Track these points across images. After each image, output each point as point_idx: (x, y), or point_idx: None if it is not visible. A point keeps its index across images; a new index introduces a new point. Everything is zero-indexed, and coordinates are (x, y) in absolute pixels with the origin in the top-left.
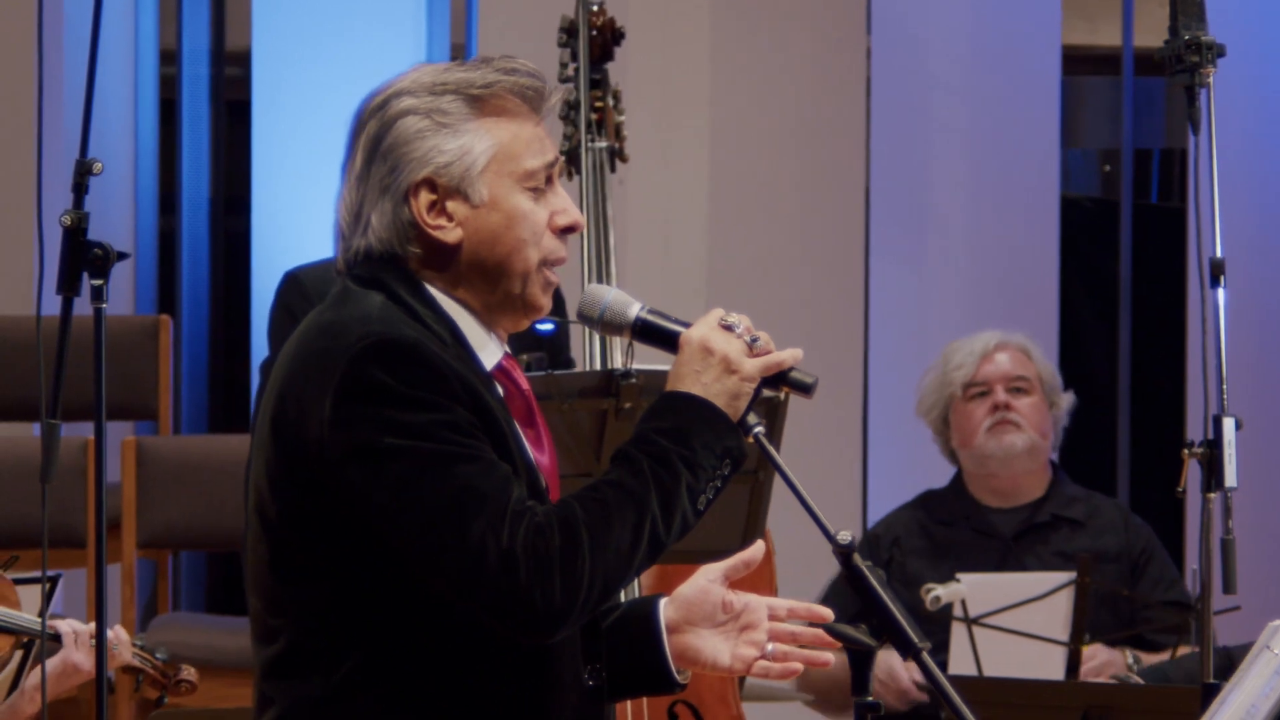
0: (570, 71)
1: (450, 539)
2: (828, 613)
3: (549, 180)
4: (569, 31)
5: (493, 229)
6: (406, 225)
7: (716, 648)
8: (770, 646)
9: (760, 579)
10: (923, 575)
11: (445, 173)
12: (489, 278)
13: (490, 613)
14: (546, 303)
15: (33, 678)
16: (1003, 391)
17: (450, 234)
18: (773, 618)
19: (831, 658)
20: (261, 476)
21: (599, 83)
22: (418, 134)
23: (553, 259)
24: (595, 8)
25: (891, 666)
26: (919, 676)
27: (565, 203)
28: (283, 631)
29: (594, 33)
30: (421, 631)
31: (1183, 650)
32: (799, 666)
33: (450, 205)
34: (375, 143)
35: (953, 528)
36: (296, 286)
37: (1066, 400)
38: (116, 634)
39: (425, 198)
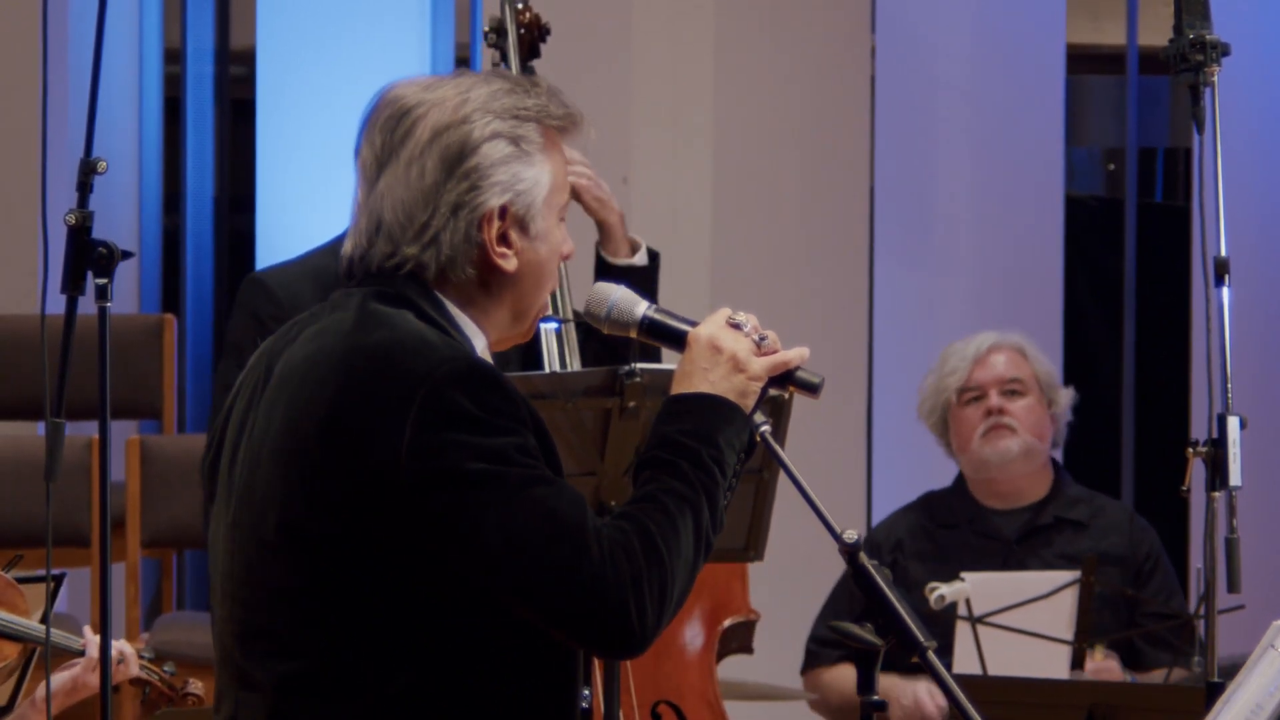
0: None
1: (542, 564)
2: None
3: None
4: (498, 31)
5: (540, 260)
6: (474, 247)
7: None
8: None
9: (732, 575)
10: (925, 580)
11: (518, 201)
12: (519, 304)
13: (584, 632)
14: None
15: (43, 689)
16: (996, 396)
17: (510, 263)
18: None
19: None
20: (296, 496)
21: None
22: (504, 159)
23: (553, 286)
24: (520, 5)
25: (916, 693)
26: (942, 701)
27: (565, 231)
28: (310, 649)
29: (521, 30)
30: (466, 655)
31: (1177, 673)
32: None
33: (512, 234)
34: (457, 158)
35: (955, 531)
36: (263, 291)
37: (1067, 396)
38: (122, 648)
39: (496, 225)
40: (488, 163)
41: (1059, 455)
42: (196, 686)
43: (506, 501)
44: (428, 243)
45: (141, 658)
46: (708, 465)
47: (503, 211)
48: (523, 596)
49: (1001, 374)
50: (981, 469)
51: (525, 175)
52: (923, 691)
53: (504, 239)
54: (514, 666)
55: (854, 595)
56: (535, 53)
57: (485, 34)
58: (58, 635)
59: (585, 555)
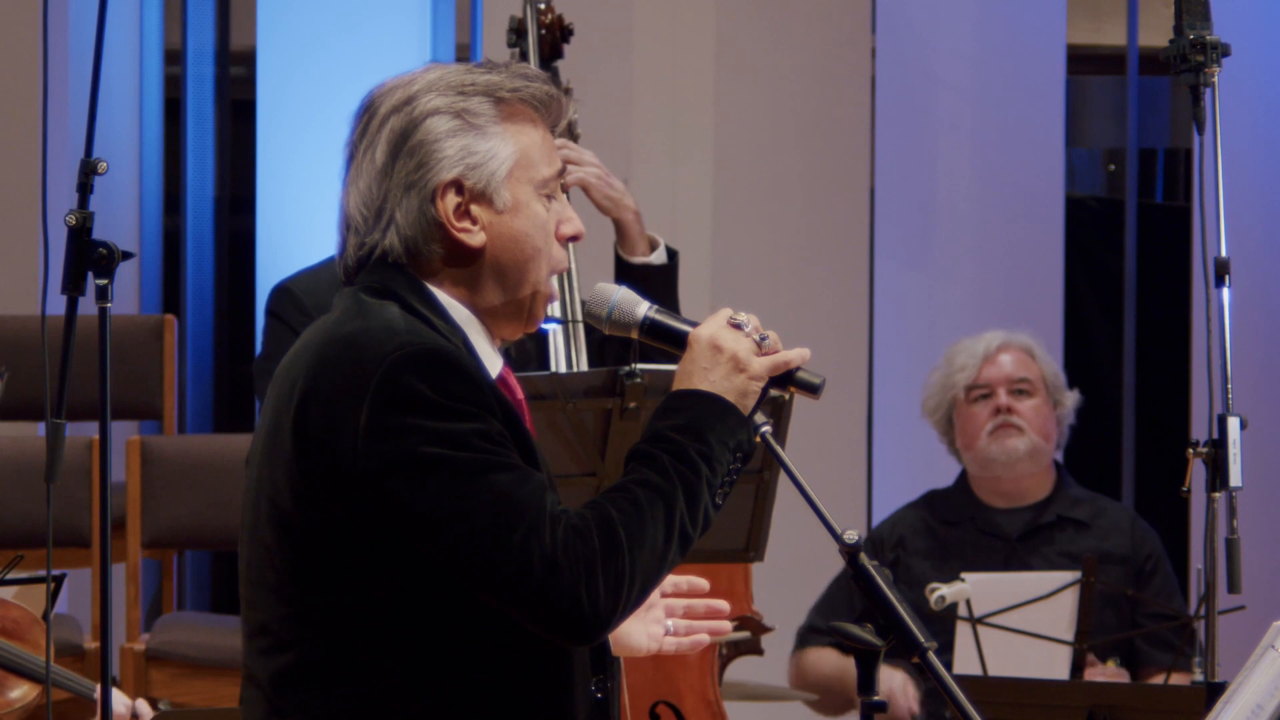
0: None
1: (494, 548)
2: (703, 583)
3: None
4: (518, 31)
5: (514, 235)
6: (432, 225)
7: (630, 630)
8: (669, 623)
9: (734, 575)
10: (927, 576)
11: (473, 174)
12: (505, 284)
13: (537, 618)
14: (544, 314)
15: None
16: (1005, 394)
17: (475, 238)
18: (661, 595)
19: (729, 626)
20: (282, 489)
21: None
22: (448, 133)
23: (558, 268)
24: (543, 5)
25: (892, 689)
26: (914, 702)
27: (570, 212)
28: (300, 642)
29: (543, 31)
30: (452, 641)
31: (1178, 676)
32: (704, 638)
33: (475, 209)
34: (401, 138)
35: (957, 528)
36: (289, 298)
37: (1071, 398)
38: (138, 708)
39: (452, 199)
40: (431, 138)
41: (1059, 456)
42: None
43: (461, 486)
44: (386, 225)
45: (156, 708)
46: (692, 460)
47: (459, 186)
48: (476, 580)
49: (1010, 373)
50: (987, 467)
51: (479, 148)
52: (897, 684)
53: (467, 214)
54: (502, 656)
55: (851, 592)
56: (558, 53)
57: (506, 34)
58: (74, 680)
59: (538, 540)
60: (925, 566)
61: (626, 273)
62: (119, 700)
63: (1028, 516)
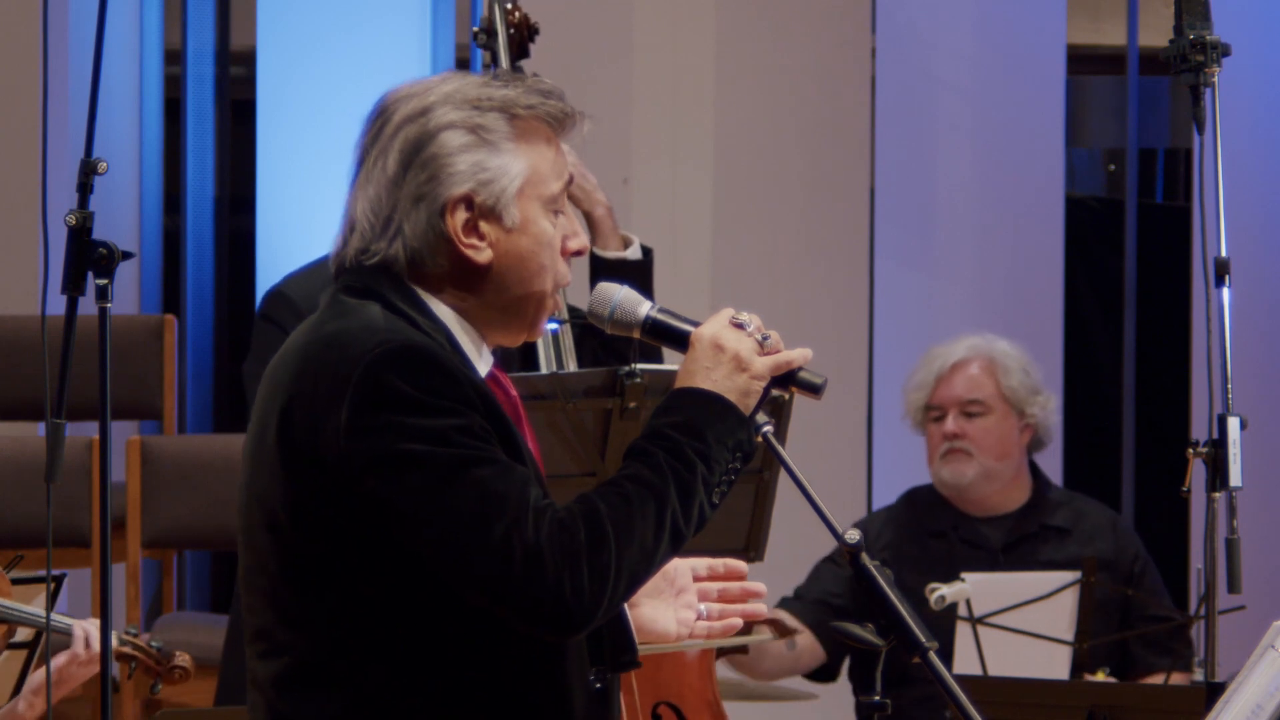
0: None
1: (475, 543)
2: (743, 566)
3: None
4: (488, 32)
5: (520, 253)
6: (439, 239)
7: (657, 616)
8: (703, 607)
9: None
10: (913, 587)
11: (484, 191)
12: (506, 299)
13: (519, 612)
14: (544, 326)
15: (32, 682)
16: (952, 419)
17: (482, 254)
18: (695, 579)
19: (764, 608)
20: (270, 492)
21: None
22: (461, 148)
23: (561, 283)
24: (509, 5)
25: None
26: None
27: (575, 226)
28: (296, 645)
29: (511, 31)
30: (444, 639)
31: (1176, 678)
32: (738, 621)
33: (484, 225)
34: (415, 149)
35: (943, 540)
36: (284, 302)
37: (1046, 403)
38: (86, 626)
39: (461, 215)
40: (444, 152)
41: (1059, 454)
42: (183, 659)
43: (441, 483)
44: (393, 235)
45: (127, 633)
46: (687, 457)
47: (469, 202)
48: (458, 576)
49: (960, 395)
50: (942, 488)
51: (491, 164)
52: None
53: (475, 229)
54: (495, 653)
55: (833, 575)
56: (525, 52)
57: (475, 34)
58: (54, 621)
59: (520, 534)
60: (909, 578)
61: (599, 267)
62: (77, 625)
63: (1009, 525)
